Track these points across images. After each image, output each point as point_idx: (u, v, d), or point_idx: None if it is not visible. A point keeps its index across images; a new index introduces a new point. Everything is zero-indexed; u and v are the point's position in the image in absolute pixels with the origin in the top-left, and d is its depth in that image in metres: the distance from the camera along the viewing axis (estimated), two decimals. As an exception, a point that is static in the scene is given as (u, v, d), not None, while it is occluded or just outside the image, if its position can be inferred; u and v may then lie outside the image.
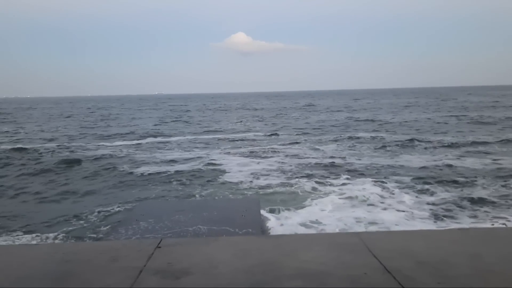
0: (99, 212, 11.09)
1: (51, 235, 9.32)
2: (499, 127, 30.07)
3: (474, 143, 21.72)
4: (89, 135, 32.50)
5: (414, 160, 17.42)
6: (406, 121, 37.41)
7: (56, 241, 8.89)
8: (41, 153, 22.16)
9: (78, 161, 19.41)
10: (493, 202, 10.77)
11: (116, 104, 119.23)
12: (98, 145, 25.44)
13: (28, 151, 22.79)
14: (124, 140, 28.45)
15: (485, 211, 10.09)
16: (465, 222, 9.35)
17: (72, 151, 22.96)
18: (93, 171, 17.29)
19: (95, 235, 9.24)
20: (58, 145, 25.30)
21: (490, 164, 16.07)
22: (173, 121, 46.76)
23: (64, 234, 9.38)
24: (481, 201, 10.84)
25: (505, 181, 12.96)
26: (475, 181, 13.13)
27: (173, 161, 18.91)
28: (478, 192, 11.73)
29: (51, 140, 29.28)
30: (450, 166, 15.71)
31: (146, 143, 26.23)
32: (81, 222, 10.31)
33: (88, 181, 15.47)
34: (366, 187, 12.41)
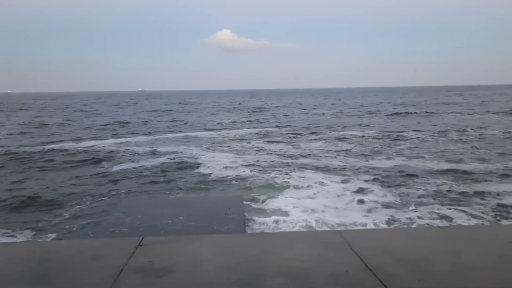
0: (79, 209, 10.93)
1: (30, 233, 9.15)
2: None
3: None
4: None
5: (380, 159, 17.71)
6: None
7: (36, 240, 8.74)
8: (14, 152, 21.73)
9: (54, 159, 19.11)
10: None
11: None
12: (75, 143, 25.05)
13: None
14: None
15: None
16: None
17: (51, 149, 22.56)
18: (71, 167, 17.05)
19: (75, 233, 9.10)
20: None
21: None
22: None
23: (43, 233, 9.22)
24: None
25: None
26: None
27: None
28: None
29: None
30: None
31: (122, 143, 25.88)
32: (61, 220, 10.13)
33: (67, 178, 15.21)
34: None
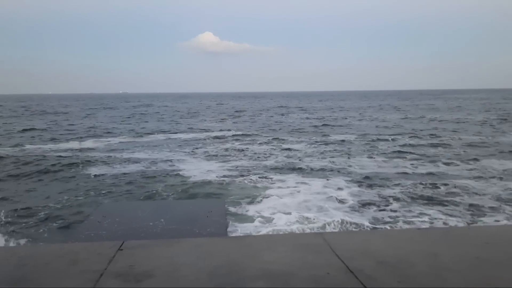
0: (57, 214, 10.71)
1: (5, 238, 8.92)
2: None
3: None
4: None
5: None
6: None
7: (11, 244, 8.52)
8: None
9: (30, 162, 18.71)
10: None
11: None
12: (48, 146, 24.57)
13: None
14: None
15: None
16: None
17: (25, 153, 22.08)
18: (48, 172, 16.74)
19: (53, 238, 8.91)
20: None
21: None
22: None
23: (19, 237, 8.99)
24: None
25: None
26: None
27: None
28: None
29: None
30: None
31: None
32: (38, 224, 9.91)
33: (45, 182, 14.90)
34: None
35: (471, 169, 15.67)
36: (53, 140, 27.89)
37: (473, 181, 13.50)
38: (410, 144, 23.18)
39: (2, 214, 10.54)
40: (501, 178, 13.90)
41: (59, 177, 15.73)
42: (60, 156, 20.21)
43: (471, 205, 10.85)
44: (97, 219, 7.95)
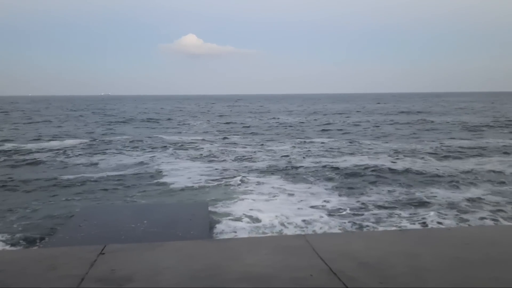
0: (34, 216, 10.45)
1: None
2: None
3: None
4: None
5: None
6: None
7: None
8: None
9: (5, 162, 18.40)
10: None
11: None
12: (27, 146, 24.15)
13: None
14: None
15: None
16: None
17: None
18: (24, 172, 16.42)
19: (31, 242, 8.69)
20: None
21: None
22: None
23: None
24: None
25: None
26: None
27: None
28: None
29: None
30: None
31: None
32: (15, 227, 9.63)
33: (21, 183, 14.57)
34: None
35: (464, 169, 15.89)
36: None
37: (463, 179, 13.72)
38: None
39: None
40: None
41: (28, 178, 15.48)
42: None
43: (456, 206, 11.00)
44: (78, 223, 7.83)
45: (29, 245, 8.54)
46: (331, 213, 10.40)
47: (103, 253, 3.64)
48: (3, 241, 8.80)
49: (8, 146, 24.12)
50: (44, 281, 3.12)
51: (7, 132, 34.21)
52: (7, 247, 8.45)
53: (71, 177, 15.23)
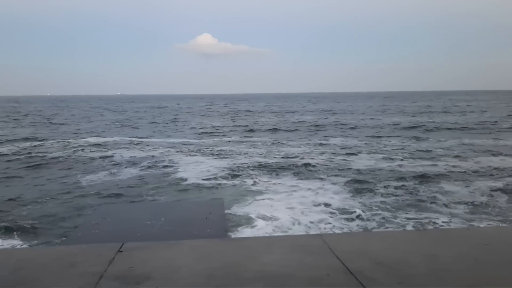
0: (55, 215, 10.66)
1: (4, 241, 8.87)
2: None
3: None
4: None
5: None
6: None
7: (9, 247, 8.48)
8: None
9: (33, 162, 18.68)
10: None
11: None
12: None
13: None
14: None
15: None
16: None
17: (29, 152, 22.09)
18: (46, 172, 16.72)
19: (51, 240, 8.86)
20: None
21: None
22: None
23: (18, 240, 8.95)
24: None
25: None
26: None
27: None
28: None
29: None
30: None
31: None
32: (36, 226, 9.84)
33: (41, 183, 14.85)
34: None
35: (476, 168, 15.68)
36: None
37: (477, 179, 13.51)
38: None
39: None
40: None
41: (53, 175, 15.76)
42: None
43: (472, 205, 10.84)
44: (96, 221, 7.93)
45: (48, 243, 8.73)
46: (345, 212, 10.34)
47: (121, 251, 3.68)
48: (23, 239, 9.01)
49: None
50: (64, 278, 3.17)
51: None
52: (28, 245, 8.64)
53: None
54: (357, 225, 9.50)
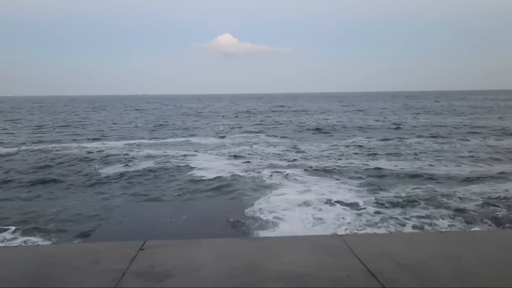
0: (79, 213, 10.87)
1: (31, 237, 9.10)
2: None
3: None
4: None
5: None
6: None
7: (36, 244, 8.70)
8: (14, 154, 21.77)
9: (53, 161, 19.11)
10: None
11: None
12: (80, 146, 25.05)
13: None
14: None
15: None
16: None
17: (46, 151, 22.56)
18: (69, 171, 17.03)
19: (75, 237, 9.05)
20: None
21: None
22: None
23: (43, 237, 9.17)
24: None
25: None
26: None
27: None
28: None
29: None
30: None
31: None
32: (61, 223, 10.08)
33: (64, 182, 15.16)
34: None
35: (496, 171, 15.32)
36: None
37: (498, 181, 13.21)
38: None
39: (24, 215, 10.80)
40: None
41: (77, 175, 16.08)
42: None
43: (492, 207, 10.60)
44: (118, 219, 8.08)
45: (72, 239, 8.93)
46: (365, 213, 10.24)
47: (143, 249, 3.73)
48: (48, 236, 9.23)
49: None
50: (87, 274, 3.23)
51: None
52: (52, 242, 8.84)
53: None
54: (378, 225, 9.39)
